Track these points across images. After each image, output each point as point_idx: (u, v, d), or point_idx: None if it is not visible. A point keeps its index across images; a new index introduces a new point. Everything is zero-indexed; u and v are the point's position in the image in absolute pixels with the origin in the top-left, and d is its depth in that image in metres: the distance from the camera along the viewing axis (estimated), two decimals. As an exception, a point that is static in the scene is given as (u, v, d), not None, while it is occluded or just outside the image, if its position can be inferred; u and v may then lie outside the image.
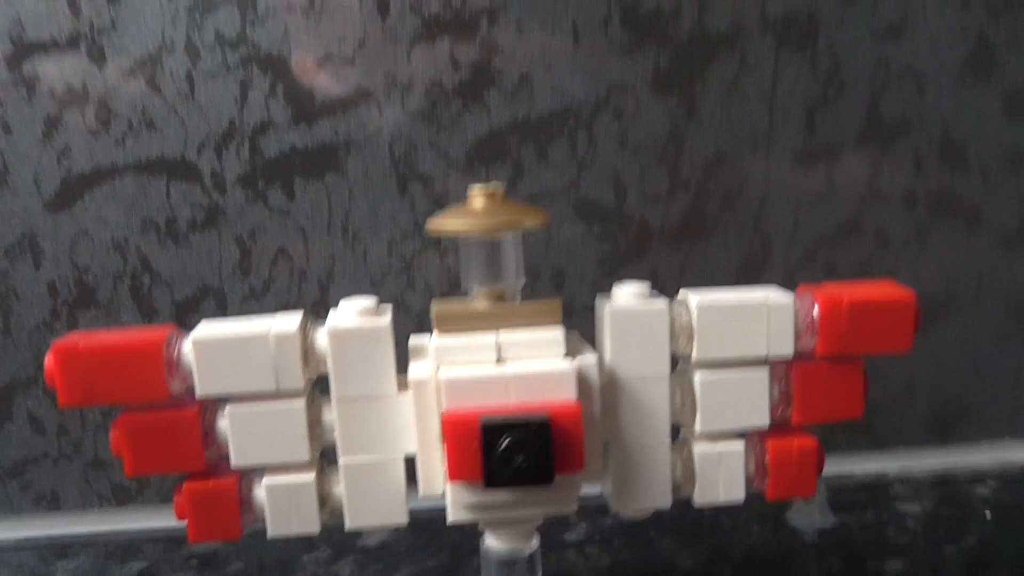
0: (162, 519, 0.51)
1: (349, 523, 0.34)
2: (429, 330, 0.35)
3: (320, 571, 0.44)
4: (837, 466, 0.53)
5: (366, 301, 0.33)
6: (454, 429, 0.31)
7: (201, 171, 0.48)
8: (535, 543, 0.36)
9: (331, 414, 0.34)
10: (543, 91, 0.50)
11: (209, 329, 0.33)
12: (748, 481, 0.36)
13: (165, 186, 0.48)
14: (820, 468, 0.36)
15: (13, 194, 0.48)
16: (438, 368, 0.32)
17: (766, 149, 0.52)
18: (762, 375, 0.35)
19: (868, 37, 0.51)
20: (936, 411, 0.56)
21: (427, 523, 0.47)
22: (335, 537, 0.48)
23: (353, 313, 0.33)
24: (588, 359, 0.33)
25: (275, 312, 0.34)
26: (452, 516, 0.33)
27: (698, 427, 0.35)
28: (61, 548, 0.48)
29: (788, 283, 0.36)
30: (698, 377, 0.34)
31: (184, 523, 0.50)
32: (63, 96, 0.47)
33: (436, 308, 0.34)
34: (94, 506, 0.51)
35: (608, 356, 0.34)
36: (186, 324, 0.48)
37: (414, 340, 0.37)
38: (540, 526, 0.36)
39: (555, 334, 0.33)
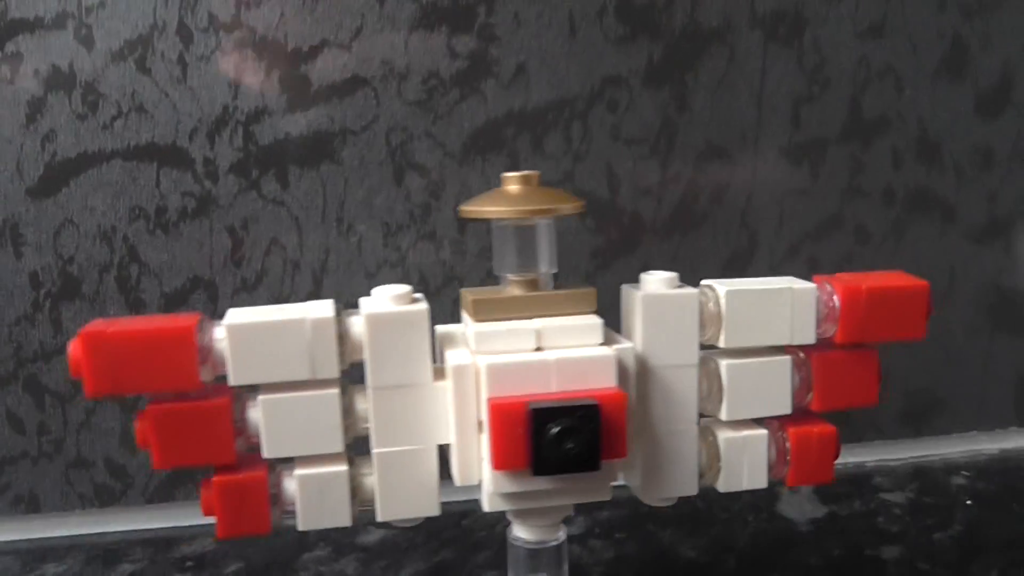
0: (147, 521, 0.49)
1: (381, 515, 0.34)
2: (442, 321, 0.35)
3: (323, 570, 0.43)
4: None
5: (400, 288, 0.33)
6: (500, 415, 0.30)
7: (193, 158, 0.47)
8: (562, 534, 0.36)
9: (364, 403, 0.33)
10: (539, 82, 0.50)
11: (241, 316, 0.32)
12: (768, 468, 0.36)
13: (155, 173, 0.47)
14: (837, 454, 0.37)
15: (-10, 180, 0.46)
16: (476, 355, 0.32)
17: (754, 143, 0.53)
18: (785, 362, 0.35)
19: (851, 35, 0.53)
20: (910, 404, 0.58)
21: (427, 520, 0.47)
22: (332, 535, 0.47)
23: (388, 300, 0.33)
24: (625, 346, 0.33)
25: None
26: (488, 506, 0.33)
27: (724, 414, 0.35)
28: (43, 552, 0.46)
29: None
30: (725, 364, 0.35)
31: (170, 521, 0.48)
32: (48, 78, 0.45)
33: (472, 296, 0.34)
34: (75, 508, 0.49)
35: (639, 343, 0.34)
36: (175, 316, 0.47)
37: (441, 329, 0.37)
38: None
39: (594, 321, 0.33)
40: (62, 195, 0.46)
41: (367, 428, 0.33)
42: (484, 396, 0.31)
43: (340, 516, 0.33)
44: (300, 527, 0.33)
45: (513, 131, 0.50)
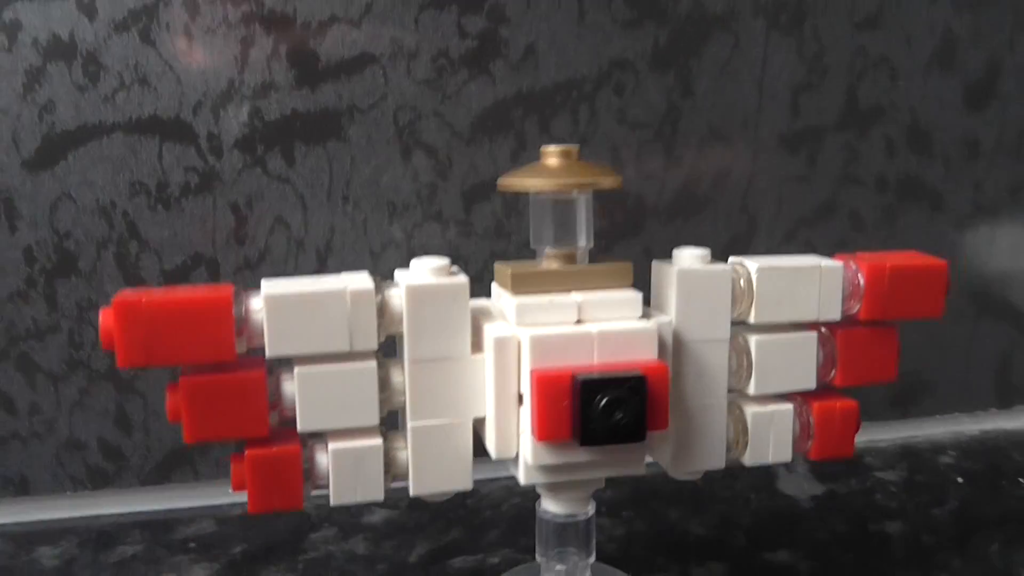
0: (141, 503, 0.48)
1: (414, 489, 0.33)
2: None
3: (332, 549, 0.43)
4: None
5: (439, 260, 0.32)
6: (545, 387, 0.30)
7: (197, 133, 0.46)
8: (591, 508, 0.36)
9: (399, 376, 0.33)
10: (547, 64, 0.49)
11: (278, 286, 0.31)
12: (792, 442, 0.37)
13: (157, 147, 0.45)
14: (857, 429, 0.38)
15: (-16, 151, 0.44)
16: (517, 328, 0.32)
17: (755, 129, 0.53)
18: (812, 338, 0.36)
19: (849, 25, 0.54)
20: (897, 386, 0.59)
21: (423, 502, 0.47)
22: (335, 515, 0.47)
23: (427, 272, 0.32)
24: (664, 320, 0.33)
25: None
26: (525, 479, 0.33)
27: (752, 389, 0.35)
28: (35, 535, 0.45)
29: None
30: (755, 339, 0.35)
31: (166, 504, 0.47)
32: (48, 46, 0.44)
33: (511, 269, 0.33)
34: (67, 490, 0.47)
35: (673, 318, 0.34)
36: (175, 295, 0.46)
37: (473, 303, 0.36)
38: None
39: (633, 295, 0.33)
40: (60, 168, 0.45)
41: (402, 401, 0.33)
42: (527, 368, 0.31)
43: (373, 490, 0.33)
44: (333, 502, 0.33)
45: (521, 112, 0.49)
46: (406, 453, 0.33)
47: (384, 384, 0.33)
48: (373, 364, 0.32)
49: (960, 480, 0.51)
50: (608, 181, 0.34)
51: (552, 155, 0.34)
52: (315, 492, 0.33)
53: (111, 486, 0.48)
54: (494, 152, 0.49)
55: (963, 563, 0.41)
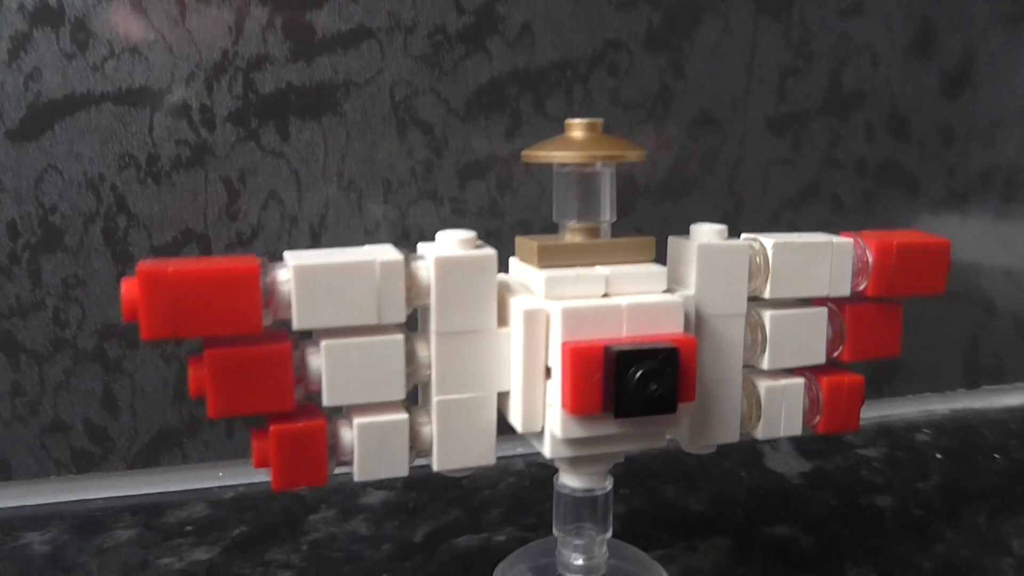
0: (128, 487, 0.46)
1: (438, 464, 0.33)
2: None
3: (335, 531, 0.42)
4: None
5: (466, 233, 0.32)
6: (578, 359, 0.30)
7: (189, 105, 0.44)
8: (609, 483, 0.36)
9: (425, 350, 0.32)
10: (543, 42, 0.49)
11: (305, 258, 0.30)
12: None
13: (148, 119, 0.44)
14: (862, 403, 0.39)
15: (-38, 121, 0.42)
16: (546, 300, 0.32)
17: (743, 113, 0.54)
18: (822, 314, 0.37)
19: (834, 12, 0.55)
20: (872, 366, 0.60)
21: (422, 482, 0.47)
22: (331, 497, 0.46)
23: (454, 244, 0.32)
24: (688, 293, 0.33)
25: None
26: (551, 453, 0.32)
27: (766, 363, 0.36)
28: (20, 521, 0.43)
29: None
30: (769, 314, 0.36)
31: (155, 488, 0.46)
32: (35, 11, 0.42)
33: (538, 242, 0.33)
34: (51, 475, 0.46)
35: (692, 292, 0.34)
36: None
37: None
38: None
39: (658, 269, 0.33)
40: (45, 139, 0.43)
41: (427, 375, 0.32)
42: (556, 341, 0.31)
43: (398, 466, 0.32)
44: (357, 477, 0.32)
45: (516, 91, 0.49)
46: (429, 428, 0.33)
47: (410, 358, 0.32)
48: (401, 337, 0.31)
49: (939, 456, 0.52)
50: (633, 154, 0.34)
51: (577, 128, 0.34)
52: (338, 469, 0.33)
53: (97, 470, 0.46)
54: (489, 130, 0.49)
55: (955, 534, 0.42)
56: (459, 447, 0.33)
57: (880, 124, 0.57)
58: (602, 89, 0.51)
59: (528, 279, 0.33)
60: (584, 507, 0.36)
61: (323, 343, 0.31)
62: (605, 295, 0.32)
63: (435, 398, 0.32)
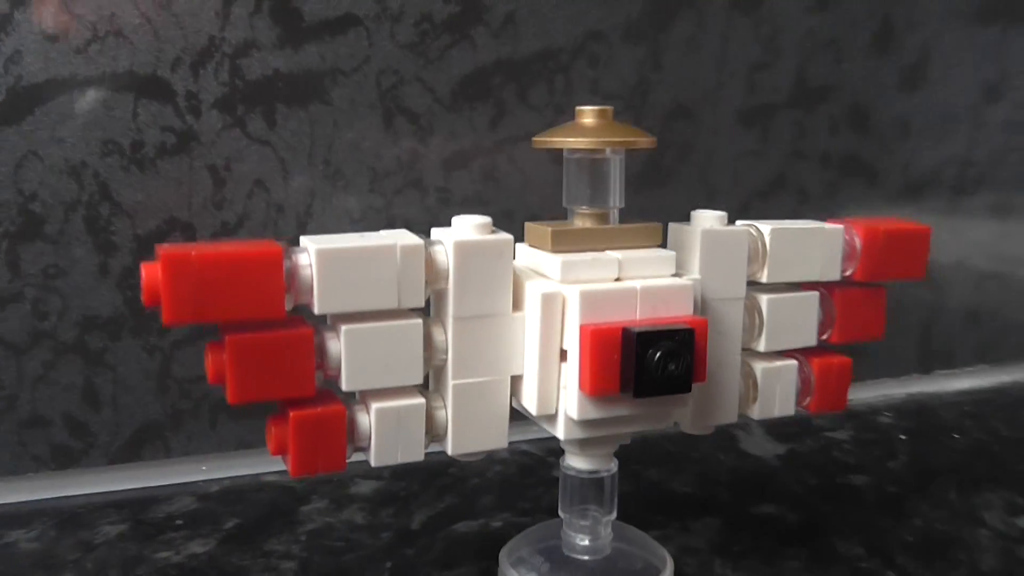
0: (110, 483, 0.45)
1: (453, 448, 0.33)
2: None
3: (331, 520, 0.42)
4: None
5: (481, 218, 0.32)
6: (597, 341, 0.31)
7: (175, 90, 0.43)
8: (614, 465, 0.36)
9: (441, 335, 0.32)
10: (527, 32, 0.50)
11: (326, 241, 0.30)
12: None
13: (132, 105, 0.43)
14: (849, 384, 0.40)
15: (-62, 104, 0.41)
16: (562, 284, 0.32)
17: (715, 105, 0.55)
18: (814, 297, 0.38)
19: (801, 8, 0.56)
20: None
21: (410, 471, 0.47)
22: (320, 488, 0.46)
23: (471, 228, 0.32)
24: (696, 277, 0.34)
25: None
26: (565, 435, 0.33)
27: (763, 346, 0.37)
28: (3, 519, 0.42)
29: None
30: (766, 298, 0.37)
31: (138, 483, 0.46)
32: (16, -8, 0.41)
33: (551, 228, 0.34)
34: (28, 471, 0.44)
35: (699, 276, 0.35)
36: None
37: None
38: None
39: (668, 253, 0.34)
40: (26, 124, 0.42)
41: (443, 360, 0.33)
42: (573, 324, 0.32)
43: (414, 451, 0.33)
44: (374, 463, 0.32)
45: (500, 80, 0.49)
46: (443, 413, 0.33)
47: (426, 343, 0.32)
48: (420, 321, 0.32)
49: (903, 437, 0.55)
50: (643, 141, 0.35)
51: (587, 115, 0.34)
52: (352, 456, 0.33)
53: (77, 466, 0.45)
54: (474, 120, 0.49)
55: (930, 508, 0.44)
56: (474, 431, 0.33)
57: (842, 117, 0.59)
58: (582, 80, 0.51)
59: (541, 264, 0.34)
60: (590, 488, 0.37)
61: (343, 328, 0.31)
62: (617, 279, 0.33)
63: (452, 382, 0.33)
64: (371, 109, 0.47)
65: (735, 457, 0.51)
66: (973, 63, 0.62)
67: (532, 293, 0.32)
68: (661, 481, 0.47)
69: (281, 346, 0.30)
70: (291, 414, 0.30)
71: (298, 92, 0.46)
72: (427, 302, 0.33)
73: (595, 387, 0.31)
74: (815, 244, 0.37)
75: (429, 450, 0.33)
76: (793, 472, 0.49)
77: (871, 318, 0.40)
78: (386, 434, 0.32)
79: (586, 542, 0.37)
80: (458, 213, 0.49)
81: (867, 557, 0.39)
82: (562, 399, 0.33)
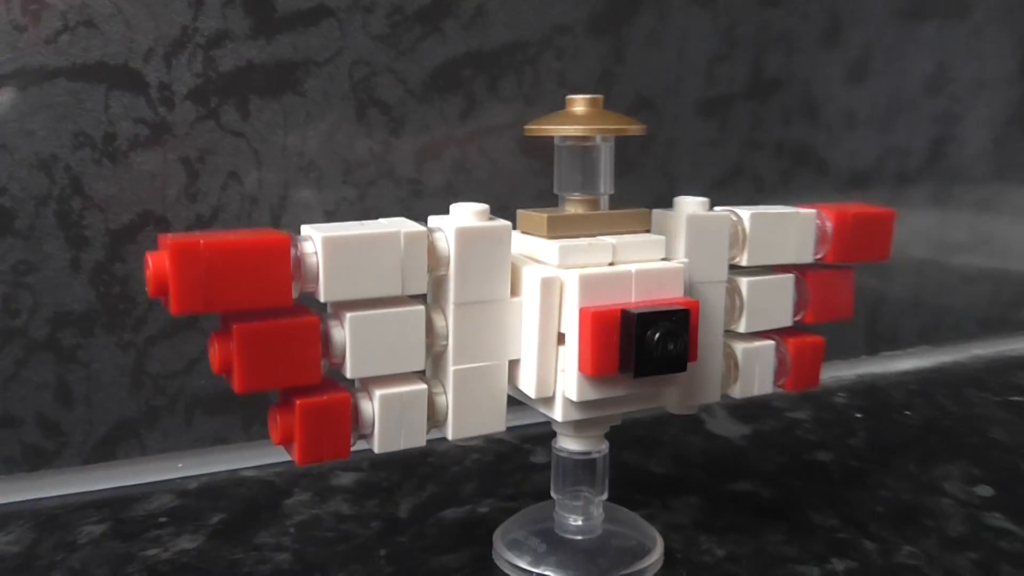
0: (86, 483, 0.44)
1: (453, 433, 0.34)
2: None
3: (317, 512, 0.42)
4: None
5: (479, 206, 0.33)
6: (598, 323, 0.32)
7: (147, 82, 0.43)
8: (605, 447, 0.37)
9: (441, 321, 0.33)
10: (496, 24, 0.50)
11: (329, 230, 0.30)
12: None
13: (104, 96, 0.42)
14: (822, 362, 0.42)
15: None
16: (559, 269, 0.33)
17: (675, 97, 0.57)
18: (790, 280, 0.39)
19: (754, 2, 0.58)
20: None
21: (388, 462, 0.47)
22: (302, 481, 0.45)
23: (470, 215, 0.33)
24: (685, 261, 0.35)
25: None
26: (563, 416, 0.34)
27: (743, 327, 0.39)
28: (-27, 521, 0.41)
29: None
30: (746, 281, 0.38)
31: (113, 482, 0.45)
32: (-18, -20, 0.39)
33: (546, 214, 0.34)
34: (1, 473, 0.43)
35: (687, 260, 0.36)
36: (121, 257, 0.43)
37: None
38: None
39: (658, 238, 0.35)
40: (-7, 116, 0.41)
41: (443, 346, 0.33)
42: (572, 307, 0.32)
43: (416, 437, 0.33)
44: (377, 449, 0.32)
45: (471, 72, 0.50)
46: (443, 398, 0.34)
47: (428, 329, 0.33)
48: (422, 308, 0.32)
49: (859, 416, 0.57)
50: (633, 129, 0.36)
51: (578, 103, 0.35)
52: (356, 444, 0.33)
53: (50, 466, 0.44)
54: (445, 111, 0.50)
55: (894, 480, 0.46)
56: (474, 416, 0.34)
57: (794, 109, 0.61)
58: (550, 72, 0.52)
59: (536, 250, 0.34)
60: (583, 470, 0.37)
61: (347, 315, 0.31)
62: (611, 263, 0.34)
63: (452, 367, 0.33)
64: (344, 100, 0.47)
65: (704, 439, 0.53)
66: (914, 57, 0.65)
67: (531, 278, 0.33)
68: (638, 463, 0.49)
69: (289, 334, 0.30)
70: (297, 402, 0.31)
71: (271, 83, 0.45)
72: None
73: (596, 368, 0.32)
74: (791, 228, 0.39)
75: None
76: (760, 451, 0.51)
77: (841, 299, 0.42)
78: (390, 420, 0.32)
79: (579, 522, 0.37)
80: (430, 204, 0.50)
81: (842, 527, 0.41)
82: (559, 381, 0.34)
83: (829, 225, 0.40)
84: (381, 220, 0.33)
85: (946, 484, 0.46)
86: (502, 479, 0.46)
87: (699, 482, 0.46)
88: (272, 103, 0.46)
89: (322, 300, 0.30)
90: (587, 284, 0.32)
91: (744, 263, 0.38)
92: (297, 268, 0.30)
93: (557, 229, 0.34)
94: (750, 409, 0.57)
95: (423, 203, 0.50)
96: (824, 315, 0.41)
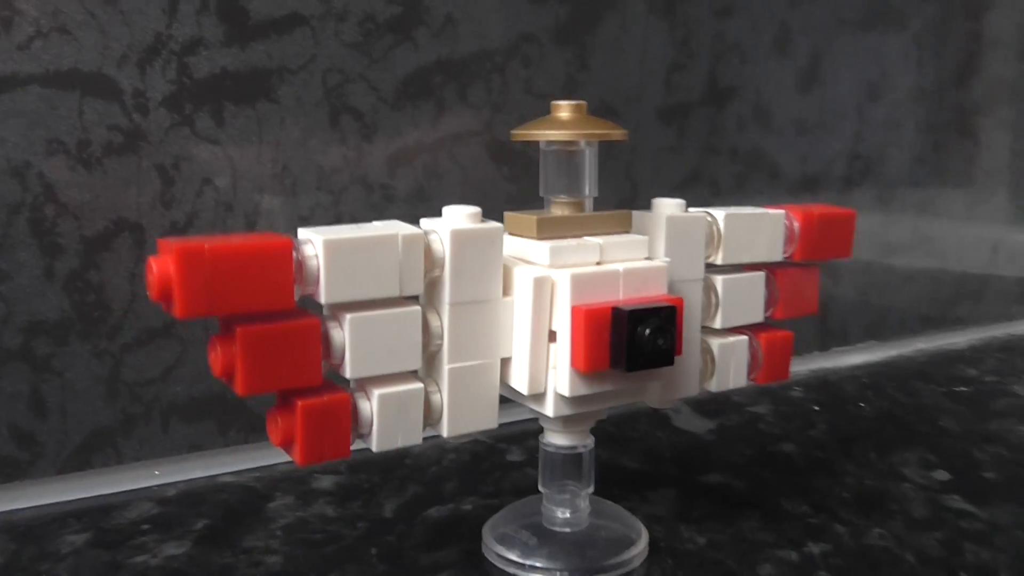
0: (61, 493, 0.44)
1: (448, 431, 0.34)
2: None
3: (302, 515, 0.42)
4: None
5: (471, 208, 0.34)
6: (590, 321, 0.33)
7: (121, 88, 0.43)
8: (591, 441, 0.38)
9: (436, 321, 0.34)
10: (466, 33, 0.51)
11: (328, 233, 0.31)
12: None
13: (78, 103, 0.42)
14: (791, 356, 0.44)
15: None
16: (550, 269, 0.34)
17: (636, 104, 0.58)
18: (762, 277, 0.41)
19: (710, 12, 0.60)
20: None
21: (366, 464, 0.47)
22: (282, 485, 0.46)
23: (463, 217, 0.33)
24: (667, 260, 0.37)
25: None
26: (554, 411, 0.35)
27: (719, 323, 0.40)
28: (-52, 535, 0.40)
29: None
30: (721, 279, 0.40)
31: (90, 491, 0.45)
32: (-46, -15, 0.39)
33: (536, 216, 0.35)
34: (-29, 485, 0.42)
35: (669, 259, 0.37)
36: (96, 264, 0.43)
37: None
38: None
39: (641, 238, 0.36)
40: (-35, 123, 0.40)
41: (439, 345, 0.34)
42: (563, 305, 0.33)
43: (413, 435, 0.34)
44: (376, 448, 0.33)
45: (441, 79, 0.51)
46: (438, 397, 0.34)
47: (424, 328, 0.33)
48: (419, 308, 0.33)
49: (817, 408, 0.59)
50: (616, 134, 0.37)
51: (563, 109, 0.36)
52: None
53: (25, 477, 0.43)
54: (416, 117, 0.50)
55: (857, 468, 0.48)
56: (467, 413, 0.35)
57: (748, 115, 0.63)
58: (517, 79, 0.53)
59: (526, 250, 0.35)
60: (570, 464, 0.38)
61: (347, 316, 0.31)
62: (598, 263, 0.35)
63: (447, 366, 0.34)
64: (317, 107, 0.47)
65: (671, 434, 0.54)
66: (858, 65, 0.68)
67: (523, 278, 0.34)
68: (611, 458, 0.50)
69: (291, 336, 0.30)
70: (299, 403, 0.31)
71: (246, 90, 0.45)
72: (415, 291, 0.34)
73: (588, 364, 0.33)
74: (762, 228, 0.41)
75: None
76: (727, 444, 0.52)
77: (808, 295, 0.44)
78: (388, 419, 0.33)
79: (567, 515, 0.38)
80: (402, 210, 0.51)
81: (814, 513, 0.42)
82: (551, 378, 0.34)
83: (796, 225, 0.42)
84: (375, 223, 0.33)
85: (905, 470, 0.48)
86: (481, 478, 0.47)
87: (672, 475, 0.47)
88: (246, 110, 0.46)
89: (323, 302, 0.31)
90: (578, 283, 0.33)
91: (719, 262, 0.40)
92: (298, 271, 0.30)
93: (546, 230, 0.35)
94: (713, 405, 0.59)
95: (395, 208, 0.50)
96: (792, 311, 0.43)
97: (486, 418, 0.35)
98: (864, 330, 0.72)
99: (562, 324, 0.34)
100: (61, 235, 0.42)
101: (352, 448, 0.32)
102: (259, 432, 0.48)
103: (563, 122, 0.36)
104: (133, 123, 0.43)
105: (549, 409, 0.35)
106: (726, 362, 0.40)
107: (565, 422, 0.37)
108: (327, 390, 0.32)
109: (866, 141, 0.70)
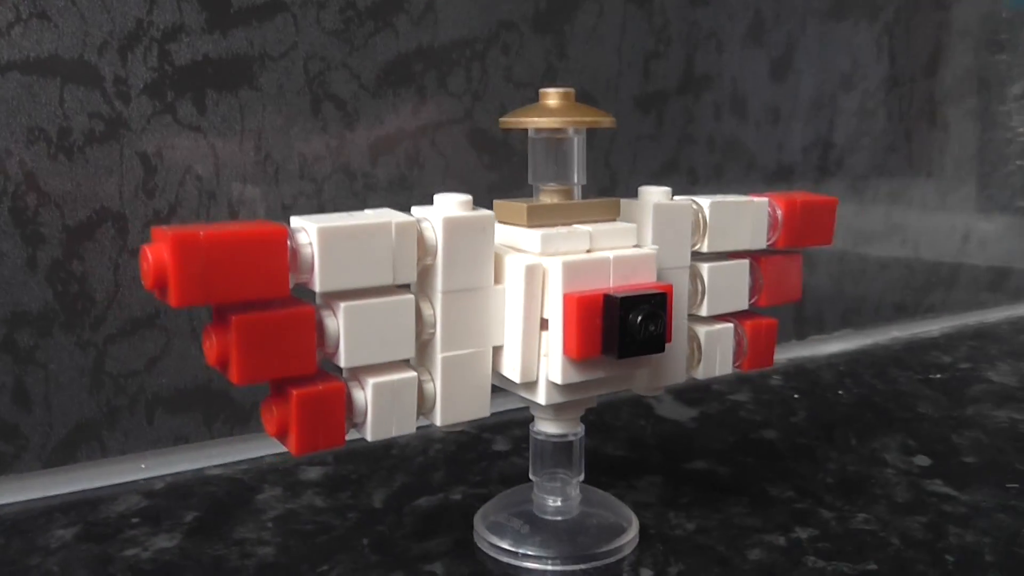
0: (47, 487, 0.43)
1: (441, 419, 0.34)
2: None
3: (292, 506, 0.42)
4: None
5: (462, 196, 0.34)
6: (582, 308, 0.33)
7: (103, 75, 0.42)
8: (581, 429, 0.39)
9: (429, 309, 0.34)
10: (446, 20, 0.51)
11: (321, 220, 0.31)
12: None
13: (58, 90, 0.41)
14: (775, 343, 0.44)
15: None
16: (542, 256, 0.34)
17: (615, 92, 0.58)
18: (746, 265, 0.42)
19: (686, 1, 0.60)
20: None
21: (352, 455, 0.47)
22: (269, 477, 0.45)
23: (455, 205, 0.33)
24: (655, 247, 0.37)
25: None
26: (547, 399, 0.35)
27: (705, 310, 0.40)
28: (-70, 531, 0.39)
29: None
30: (707, 267, 0.40)
31: (76, 485, 0.44)
32: (-71, -30, 0.38)
33: (527, 204, 0.35)
34: (-47, 479, 0.42)
35: (657, 247, 0.38)
36: (79, 254, 0.42)
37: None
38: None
39: (629, 225, 0.37)
40: (-58, 111, 0.39)
41: (431, 333, 0.34)
42: (555, 293, 0.34)
43: (407, 424, 0.34)
44: (370, 438, 0.33)
45: (421, 67, 0.50)
46: (431, 385, 0.34)
47: (416, 317, 0.33)
48: (412, 296, 0.33)
49: (796, 396, 0.60)
50: (604, 121, 0.37)
51: (551, 96, 0.36)
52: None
53: (10, 471, 0.43)
54: (397, 105, 0.50)
55: (839, 454, 0.49)
56: (460, 401, 0.35)
57: (724, 104, 0.64)
58: (497, 67, 0.53)
59: (516, 239, 0.36)
60: (560, 452, 0.39)
61: (342, 305, 0.31)
62: (588, 250, 0.35)
63: (440, 355, 0.34)
64: (299, 95, 0.47)
65: (654, 422, 0.54)
66: (831, 55, 0.69)
67: (514, 266, 0.34)
68: (596, 447, 0.50)
69: (285, 324, 0.30)
70: (293, 392, 0.31)
71: (227, 77, 0.45)
72: (406, 279, 0.34)
73: (580, 351, 0.33)
74: (746, 216, 0.41)
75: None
76: (710, 432, 0.53)
77: (792, 282, 0.44)
78: (382, 408, 0.33)
79: (558, 503, 0.39)
80: (384, 197, 0.51)
81: (799, 499, 0.43)
82: (543, 366, 0.35)
83: (779, 212, 0.42)
84: (367, 211, 0.33)
85: (887, 456, 0.49)
86: (468, 467, 0.47)
87: (657, 463, 0.48)
88: (228, 97, 0.45)
89: (317, 290, 0.31)
90: (570, 271, 0.33)
91: (704, 249, 0.40)
92: (292, 259, 0.30)
93: (536, 218, 0.35)
94: (694, 393, 0.60)
95: (377, 196, 0.50)
96: (776, 298, 0.43)
97: (479, 407, 0.35)
98: (840, 318, 0.73)
99: (554, 312, 0.34)
100: (43, 224, 0.42)
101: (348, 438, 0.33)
102: (245, 424, 0.48)
103: (551, 109, 0.36)
104: (115, 111, 0.42)
105: (541, 397, 0.35)
106: (712, 349, 0.41)
107: (556, 410, 0.37)
108: (321, 379, 0.32)
109: (839, 130, 0.71)
